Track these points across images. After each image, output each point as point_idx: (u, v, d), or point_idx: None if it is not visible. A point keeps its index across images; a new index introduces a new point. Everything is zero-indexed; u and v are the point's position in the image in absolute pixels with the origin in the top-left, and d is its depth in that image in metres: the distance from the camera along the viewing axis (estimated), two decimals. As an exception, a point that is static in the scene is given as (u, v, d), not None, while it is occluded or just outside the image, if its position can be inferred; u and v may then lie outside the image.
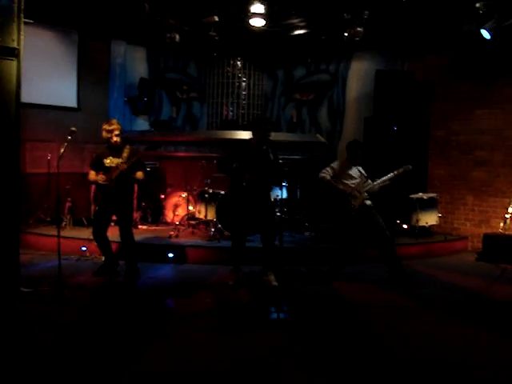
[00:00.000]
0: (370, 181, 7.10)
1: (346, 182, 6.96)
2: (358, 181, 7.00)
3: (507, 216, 8.83)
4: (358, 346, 4.62)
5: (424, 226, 9.27)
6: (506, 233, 8.76)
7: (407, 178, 7.07)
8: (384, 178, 7.03)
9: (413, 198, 9.25)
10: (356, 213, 6.88)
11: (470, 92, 9.77)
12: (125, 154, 6.51)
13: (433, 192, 9.77)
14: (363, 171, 7.16)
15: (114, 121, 6.68)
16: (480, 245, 8.99)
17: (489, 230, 9.28)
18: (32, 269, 7.09)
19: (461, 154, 9.94)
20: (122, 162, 6.43)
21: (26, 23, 5.92)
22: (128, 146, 6.66)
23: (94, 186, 7.19)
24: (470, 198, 9.84)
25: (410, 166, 7.00)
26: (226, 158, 6.68)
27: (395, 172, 6.97)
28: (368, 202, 7.00)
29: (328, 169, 7.00)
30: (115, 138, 6.55)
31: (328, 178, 6.90)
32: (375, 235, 6.96)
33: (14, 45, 5.67)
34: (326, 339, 4.79)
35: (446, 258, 8.88)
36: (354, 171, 7.08)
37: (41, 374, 3.81)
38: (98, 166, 6.58)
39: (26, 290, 5.79)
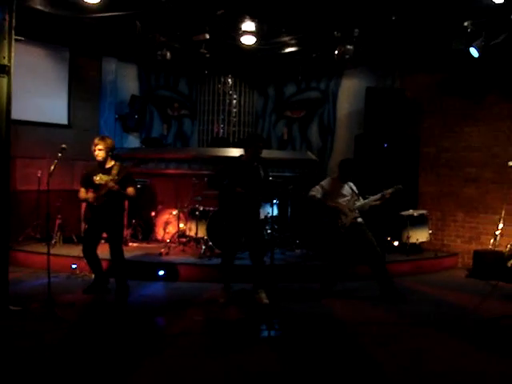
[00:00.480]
0: (361, 198, 7.11)
1: (337, 199, 6.97)
2: (348, 198, 7.01)
3: (497, 232, 8.85)
4: (350, 365, 4.60)
5: (415, 243, 9.27)
6: (496, 249, 8.77)
7: (398, 195, 7.09)
8: (374, 197, 7.05)
9: (403, 215, 9.26)
10: (346, 230, 6.88)
11: (459, 109, 9.84)
12: (114, 171, 6.48)
13: (423, 209, 9.78)
14: (355, 188, 7.17)
15: (107, 139, 6.67)
16: (470, 261, 9.01)
17: (479, 247, 9.30)
18: (21, 287, 7.03)
19: (451, 171, 9.98)
20: (110, 179, 6.41)
21: (16, 40, 5.94)
22: (118, 164, 6.64)
23: (84, 204, 7.17)
24: (460, 214, 9.87)
25: (401, 186, 7.02)
26: (217, 174, 6.68)
27: (385, 192, 6.98)
28: (359, 220, 7.01)
29: (318, 187, 7.00)
30: (96, 152, 6.55)
31: (318, 196, 6.89)
32: (366, 252, 6.96)
33: (5, 62, 5.68)
34: (318, 357, 4.77)
35: (436, 274, 8.89)
36: (345, 189, 7.08)
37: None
38: (88, 184, 6.56)
39: (14, 308, 5.74)
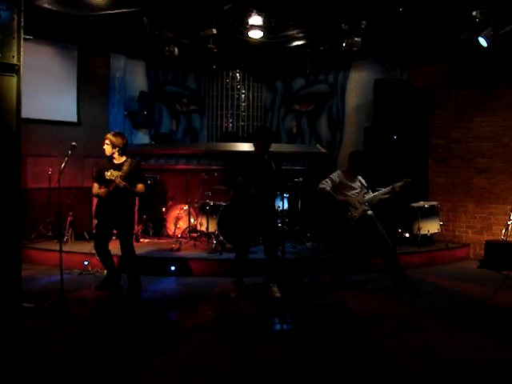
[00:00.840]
0: (370, 191, 7.10)
1: (347, 192, 6.96)
2: (358, 191, 7.00)
3: (509, 222, 8.83)
4: (362, 357, 4.60)
5: (426, 235, 9.25)
6: (508, 239, 8.75)
7: (408, 187, 7.06)
8: (384, 191, 7.03)
9: (414, 207, 9.24)
10: (356, 223, 6.88)
11: (469, 99, 9.80)
12: (125, 168, 6.50)
13: (434, 200, 9.77)
14: (364, 181, 7.16)
15: (117, 134, 6.73)
16: (482, 252, 8.99)
17: (490, 237, 9.28)
18: (34, 284, 7.09)
19: (461, 162, 9.95)
20: (120, 175, 6.44)
21: (25, 39, 5.95)
22: (129, 160, 6.65)
23: (95, 200, 7.22)
24: (471, 205, 9.83)
25: (410, 180, 7.00)
26: (230, 173, 6.68)
27: (394, 185, 6.95)
28: (369, 212, 7.00)
29: (327, 180, 6.99)
30: (104, 147, 6.65)
31: (328, 189, 6.88)
32: (377, 244, 6.96)
33: (14, 61, 5.69)
34: (331, 350, 4.77)
35: (448, 265, 8.87)
36: (355, 182, 7.07)
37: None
38: (100, 179, 6.61)
39: (28, 305, 5.77)
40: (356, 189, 7.02)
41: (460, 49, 9.27)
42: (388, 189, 7.01)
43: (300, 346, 4.88)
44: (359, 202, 6.91)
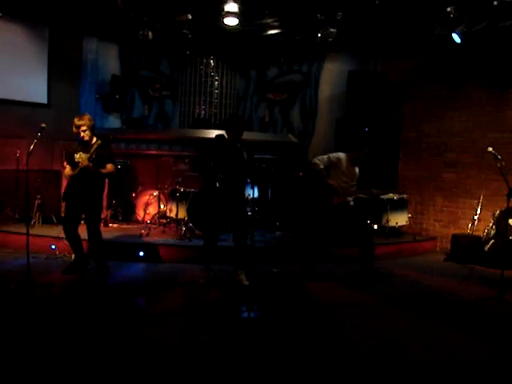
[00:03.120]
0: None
1: (338, 177, 6.96)
2: (347, 180, 7.01)
3: (475, 217, 8.96)
4: (327, 347, 4.64)
5: (394, 227, 9.36)
6: (474, 233, 8.89)
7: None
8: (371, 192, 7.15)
9: (383, 199, 9.31)
10: (333, 210, 6.90)
11: (441, 94, 9.91)
12: (92, 149, 6.41)
13: (403, 193, 9.86)
14: (357, 174, 7.17)
15: (86, 116, 6.54)
16: (448, 245, 9.12)
17: (457, 231, 9.42)
18: (-1, 267, 7.00)
19: (431, 156, 10.07)
20: (87, 157, 6.34)
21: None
22: (99, 141, 6.51)
23: (64, 183, 7.11)
24: (439, 199, 9.97)
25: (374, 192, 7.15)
26: (200, 157, 6.60)
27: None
28: (351, 203, 7.04)
29: (324, 157, 6.93)
30: (82, 134, 6.49)
31: (321, 167, 6.83)
32: (356, 234, 7.02)
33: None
34: (296, 339, 4.80)
35: (415, 257, 8.99)
36: (350, 170, 7.06)
37: (8, 373, 3.75)
38: (71, 162, 6.49)
39: (-7, 288, 5.72)
40: (347, 176, 7.02)
41: (434, 44, 9.34)
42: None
43: (266, 333, 4.91)
44: (344, 192, 6.92)
